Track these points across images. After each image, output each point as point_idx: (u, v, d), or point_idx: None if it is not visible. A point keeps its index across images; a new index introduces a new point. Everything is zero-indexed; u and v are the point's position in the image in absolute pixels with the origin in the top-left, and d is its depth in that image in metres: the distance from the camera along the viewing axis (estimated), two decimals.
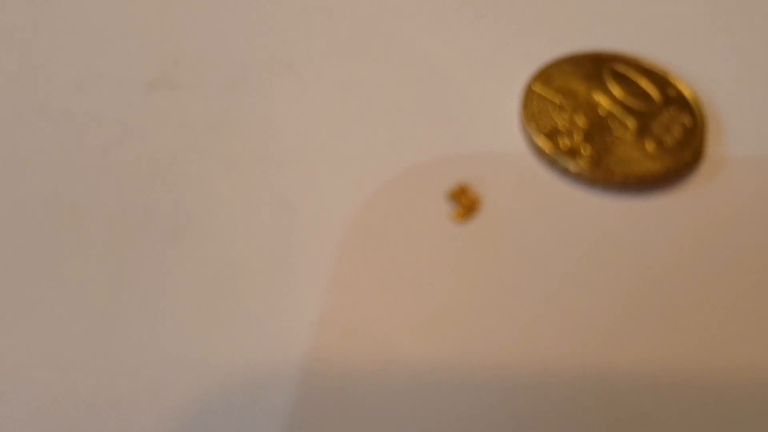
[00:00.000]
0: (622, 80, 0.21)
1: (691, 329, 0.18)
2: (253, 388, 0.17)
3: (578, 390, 0.18)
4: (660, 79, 0.21)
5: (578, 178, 0.20)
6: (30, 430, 0.17)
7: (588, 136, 0.20)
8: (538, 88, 0.21)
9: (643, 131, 0.20)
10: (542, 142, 0.20)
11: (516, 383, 0.18)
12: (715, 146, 0.21)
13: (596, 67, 0.21)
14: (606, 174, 0.20)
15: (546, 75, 0.21)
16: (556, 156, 0.20)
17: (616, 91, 0.21)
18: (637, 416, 0.17)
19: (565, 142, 0.20)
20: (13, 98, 0.20)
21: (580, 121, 0.20)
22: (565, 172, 0.20)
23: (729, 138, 0.21)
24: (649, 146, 0.20)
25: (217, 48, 0.22)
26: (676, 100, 0.21)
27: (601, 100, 0.21)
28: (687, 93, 0.21)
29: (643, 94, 0.21)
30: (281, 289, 0.18)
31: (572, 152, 0.20)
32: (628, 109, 0.21)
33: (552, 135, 0.20)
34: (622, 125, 0.20)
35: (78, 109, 0.20)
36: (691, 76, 0.21)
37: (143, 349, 0.18)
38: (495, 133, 0.21)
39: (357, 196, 0.20)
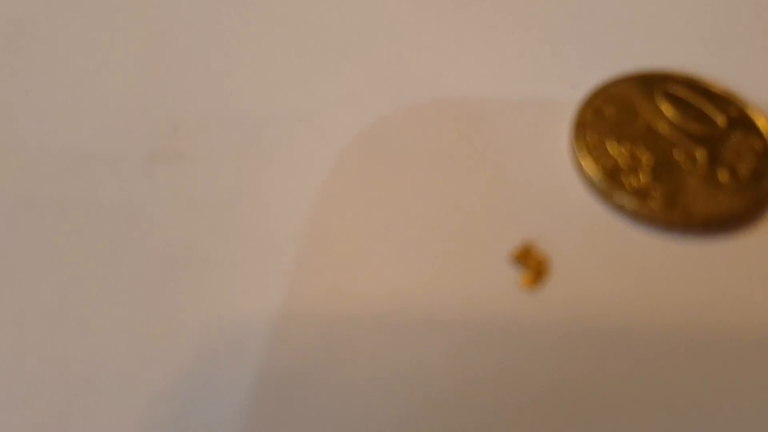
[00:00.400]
0: (678, 103, 0.19)
1: None
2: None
3: None
4: (720, 99, 0.19)
5: (652, 221, 0.18)
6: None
7: (655, 173, 0.18)
8: (588, 120, 0.19)
9: (714, 161, 0.18)
10: (604, 184, 0.18)
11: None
12: None
13: (646, 89, 0.19)
14: (684, 216, 0.18)
15: (595, 104, 0.19)
16: (622, 198, 0.18)
17: (673, 115, 0.19)
18: None
19: (630, 181, 0.18)
20: None
21: (643, 155, 0.18)
22: (636, 216, 0.18)
23: None
24: (723, 178, 0.18)
25: (224, 105, 0.19)
26: (741, 122, 0.19)
27: (660, 127, 0.18)
28: (753, 113, 0.19)
29: (704, 117, 0.19)
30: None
31: (641, 193, 0.18)
32: (692, 137, 0.18)
33: (614, 174, 0.18)
34: (689, 156, 0.18)
35: (70, 194, 0.17)
36: (755, 95, 0.19)
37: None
38: (548, 179, 0.18)
39: (407, 266, 0.17)
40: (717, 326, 0.17)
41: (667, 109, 0.19)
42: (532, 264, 0.17)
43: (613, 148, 0.18)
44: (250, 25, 0.19)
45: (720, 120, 0.19)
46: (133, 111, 0.18)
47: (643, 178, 0.18)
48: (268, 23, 0.19)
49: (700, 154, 0.18)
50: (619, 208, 0.18)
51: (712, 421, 0.16)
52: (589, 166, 0.18)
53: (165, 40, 0.19)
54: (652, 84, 0.19)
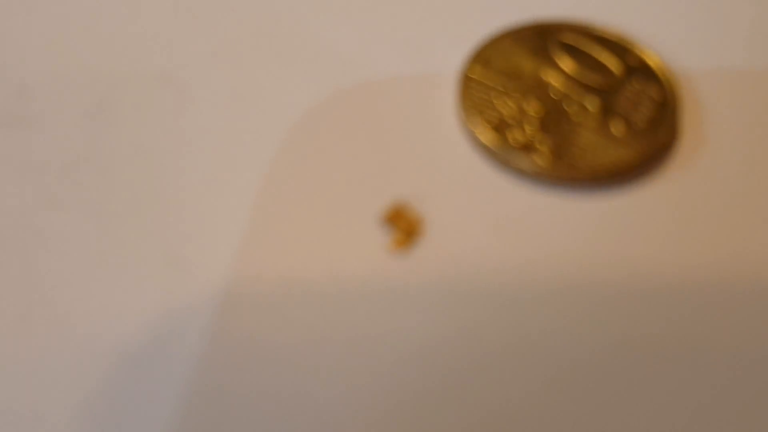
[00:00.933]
0: (574, 52, 0.17)
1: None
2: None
3: None
4: (617, 47, 0.17)
5: (538, 177, 0.16)
6: None
7: (543, 126, 0.16)
8: (476, 74, 0.17)
9: (607, 112, 0.17)
10: (489, 139, 0.16)
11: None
12: (691, 122, 0.17)
13: (541, 40, 0.17)
14: (571, 169, 0.16)
15: (483, 56, 0.17)
16: (508, 154, 0.16)
17: (568, 66, 0.17)
18: None
19: (516, 136, 0.16)
20: None
21: (531, 108, 0.17)
22: (520, 172, 0.16)
23: (706, 110, 0.17)
24: (617, 129, 0.16)
25: (76, 64, 0.17)
26: (640, 70, 0.17)
27: (552, 79, 0.17)
28: (651, 60, 0.17)
29: (601, 67, 0.17)
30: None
31: (527, 148, 0.16)
32: (586, 87, 0.17)
33: (500, 129, 0.16)
34: (581, 107, 0.17)
35: None
36: (653, 41, 0.18)
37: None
38: (430, 135, 0.17)
39: (264, 228, 0.16)
40: (605, 283, 0.15)
41: (562, 60, 0.17)
42: (402, 225, 0.16)
43: (500, 102, 0.17)
44: None
45: (616, 68, 0.17)
46: None
47: (529, 131, 0.16)
48: None
49: (593, 105, 0.17)
50: (504, 164, 0.16)
51: (601, 383, 0.15)
52: (473, 121, 0.17)
53: None
54: (545, 34, 0.18)
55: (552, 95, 0.17)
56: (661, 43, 0.18)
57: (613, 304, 0.15)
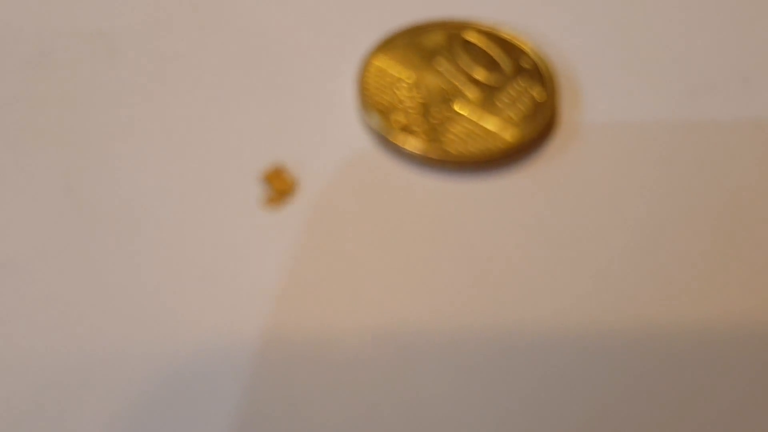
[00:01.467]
0: (473, 50, 0.19)
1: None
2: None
3: None
4: (515, 49, 0.19)
5: (412, 158, 0.18)
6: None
7: (424, 111, 0.18)
8: (377, 60, 0.19)
9: (486, 104, 0.18)
10: (373, 120, 0.18)
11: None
12: (570, 116, 0.18)
13: (446, 36, 0.19)
14: (441, 153, 0.18)
15: (389, 45, 0.19)
16: (388, 134, 0.18)
17: (464, 61, 0.19)
18: None
19: (399, 118, 0.18)
20: None
21: (418, 94, 0.18)
22: (398, 151, 0.18)
23: (585, 107, 0.18)
24: (491, 121, 0.18)
25: (19, 17, 0.19)
26: (529, 72, 0.18)
27: (445, 71, 0.18)
28: (540, 62, 0.18)
29: (494, 65, 0.19)
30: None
31: (406, 129, 0.18)
32: (473, 81, 0.18)
33: (386, 111, 0.18)
34: (463, 98, 0.18)
35: None
36: (550, 43, 0.19)
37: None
38: (328, 111, 0.18)
39: (160, 181, 0.17)
40: (452, 257, 0.17)
41: (460, 56, 0.19)
42: (277, 185, 0.17)
43: (396, 89, 0.18)
44: None
45: (508, 67, 0.19)
46: None
47: (411, 115, 0.18)
48: None
49: (474, 96, 0.18)
50: (385, 144, 0.18)
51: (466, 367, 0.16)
52: (365, 102, 0.18)
53: None
54: (452, 30, 0.19)
55: (440, 84, 0.18)
56: (558, 48, 0.19)
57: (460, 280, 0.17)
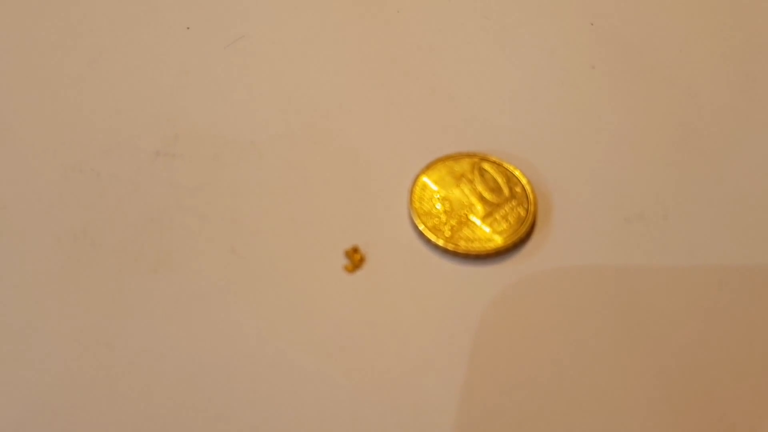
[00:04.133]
0: (485, 176, 0.30)
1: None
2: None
3: None
4: (512, 177, 0.30)
5: (438, 249, 0.29)
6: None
7: (449, 217, 0.29)
8: (423, 178, 0.30)
9: (487, 217, 0.29)
10: (417, 220, 0.29)
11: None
12: (543, 226, 0.29)
13: (470, 164, 0.30)
14: (456, 248, 0.29)
15: (432, 168, 0.30)
16: (425, 231, 0.29)
17: (479, 184, 0.30)
18: None
19: (433, 221, 0.29)
20: (60, 159, 0.31)
21: (447, 205, 0.29)
22: (429, 243, 0.29)
23: (555, 223, 0.29)
24: (491, 229, 0.29)
25: (207, 127, 0.31)
26: (518, 195, 0.29)
27: (466, 189, 0.30)
28: (528, 189, 0.29)
29: (498, 189, 0.30)
30: None
31: (436, 229, 0.29)
32: (483, 199, 0.29)
33: (425, 215, 0.29)
34: (474, 212, 0.29)
35: (103, 169, 0.31)
36: (539, 172, 0.30)
37: None
38: (389, 210, 0.30)
39: (283, 246, 0.29)
40: (457, 319, 0.28)
41: (476, 179, 0.30)
42: (355, 258, 0.29)
43: (433, 199, 0.30)
44: None
45: (506, 192, 0.30)
46: (153, 118, 0.31)
47: (442, 219, 0.29)
48: None
49: (481, 211, 0.29)
50: (421, 237, 0.29)
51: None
52: (413, 207, 0.30)
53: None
54: (475, 160, 0.30)
55: (461, 199, 0.30)
56: (544, 175, 0.30)
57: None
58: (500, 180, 0.29)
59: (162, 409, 0.26)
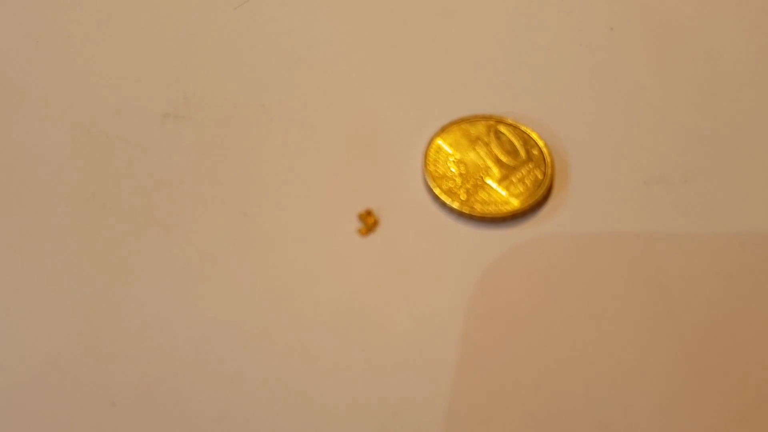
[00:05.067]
0: (502, 138, 0.29)
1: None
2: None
3: None
4: (529, 140, 0.29)
5: (454, 213, 0.28)
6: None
7: (464, 180, 0.29)
8: (438, 140, 0.29)
9: (503, 180, 0.29)
10: (432, 183, 0.29)
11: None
12: (560, 190, 0.29)
13: (486, 126, 0.29)
14: (471, 211, 0.28)
15: (446, 130, 0.29)
16: (440, 194, 0.29)
17: (495, 147, 0.29)
18: None
19: (448, 184, 0.29)
20: (69, 121, 0.30)
21: (462, 168, 0.29)
22: (444, 206, 0.29)
23: (572, 186, 0.29)
24: (507, 192, 0.28)
25: (217, 89, 0.31)
26: (535, 158, 0.29)
27: (482, 152, 0.29)
28: (545, 151, 0.29)
29: (514, 151, 0.29)
30: None
31: (451, 192, 0.29)
32: (499, 162, 0.29)
33: (440, 178, 0.29)
34: (490, 175, 0.29)
35: (112, 131, 0.30)
36: (556, 135, 0.29)
37: None
38: (403, 172, 0.29)
39: (296, 209, 0.29)
40: (470, 281, 0.28)
41: (492, 142, 0.29)
42: (369, 221, 0.29)
43: (448, 161, 0.29)
44: None
45: (523, 154, 0.29)
46: (163, 80, 0.31)
47: (457, 182, 0.29)
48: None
49: (498, 173, 0.29)
50: (436, 200, 0.29)
51: None
52: (428, 170, 0.29)
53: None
54: (491, 122, 0.30)
55: (477, 162, 0.29)
56: (561, 136, 0.29)
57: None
58: (517, 142, 0.29)
59: (172, 371, 0.26)
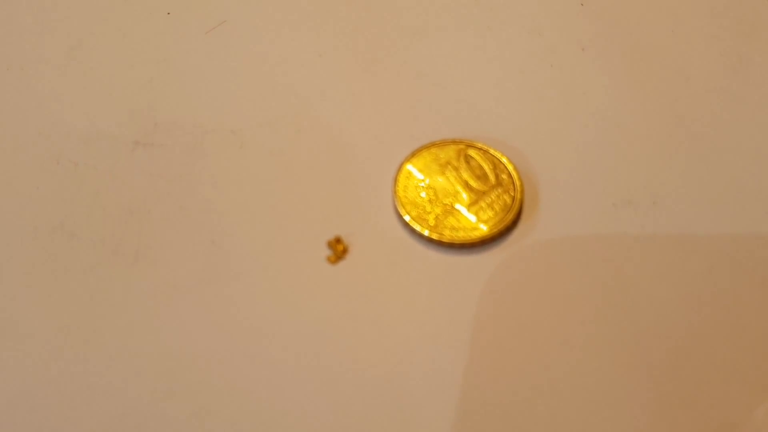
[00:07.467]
0: (471, 163, 0.29)
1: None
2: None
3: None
4: (498, 164, 0.29)
5: (423, 239, 0.28)
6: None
7: (433, 206, 0.29)
8: (409, 165, 0.29)
9: (473, 205, 0.28)
10: (400, 208, 0.29)
11: None
12: (530, 216, 0.29)
13: (456, 151, 0.29)
14: (441, 237, 0.28)
15: (416, 155, 0.29)
16: (408, 221, 0.28)
17: (464, 171, 0.29)
18: None
19: (418, 210, 0.29)
20: (38, 149, 0.30)
21: (431, 194, 0.29)
22: (412, 232, 0.29)
23: (542, 210, 0.29)
24: (476, 218, 0.28)
25: (187, 115, 0.31)
26: (505, 182, 0.29)
27: (451, 177, 0.29)
28: (515, 177, 0.29)
29: (484, 176, 0.29)
30: None
31: (420, 219, 0.29)
32: (468, 187, 0.29)
33: (410, 204, 0.29)
34: (459, 200, 0.29)
35: (81, 159, 0.30)
36: (526, 158, 0.29)
37: None
38: (373, 198, 0.29)
39: (265, 237, 0.29)
40: (433, 308, 0.28)
41: (462, 167, 0.29)
42: (338, 249, 0.28)
43: (418, 187, 0.29)
44: None
45: (492, 179, 0.29)
46: (132, 107, 0.30)
47: (426, 208, 0.29)
48: None
49: (467, 199, 0.29)
50: (405, 225, 0.29)
51: None
52: (398, 195, 0.29)
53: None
54: (460, 147, 0.30)
55: (446, 187, 0.29)
56: (529, 161, 0.29)
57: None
58: (486, 167, 0.29)
59: (141, 405, 0.26)
